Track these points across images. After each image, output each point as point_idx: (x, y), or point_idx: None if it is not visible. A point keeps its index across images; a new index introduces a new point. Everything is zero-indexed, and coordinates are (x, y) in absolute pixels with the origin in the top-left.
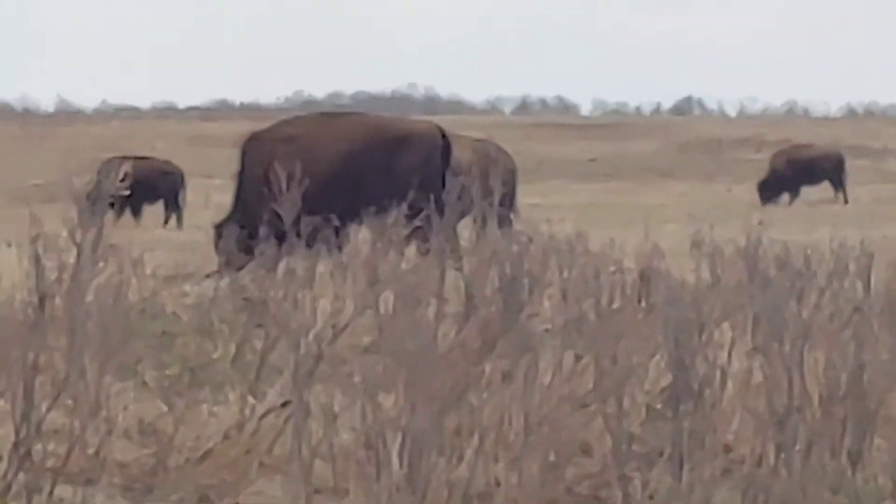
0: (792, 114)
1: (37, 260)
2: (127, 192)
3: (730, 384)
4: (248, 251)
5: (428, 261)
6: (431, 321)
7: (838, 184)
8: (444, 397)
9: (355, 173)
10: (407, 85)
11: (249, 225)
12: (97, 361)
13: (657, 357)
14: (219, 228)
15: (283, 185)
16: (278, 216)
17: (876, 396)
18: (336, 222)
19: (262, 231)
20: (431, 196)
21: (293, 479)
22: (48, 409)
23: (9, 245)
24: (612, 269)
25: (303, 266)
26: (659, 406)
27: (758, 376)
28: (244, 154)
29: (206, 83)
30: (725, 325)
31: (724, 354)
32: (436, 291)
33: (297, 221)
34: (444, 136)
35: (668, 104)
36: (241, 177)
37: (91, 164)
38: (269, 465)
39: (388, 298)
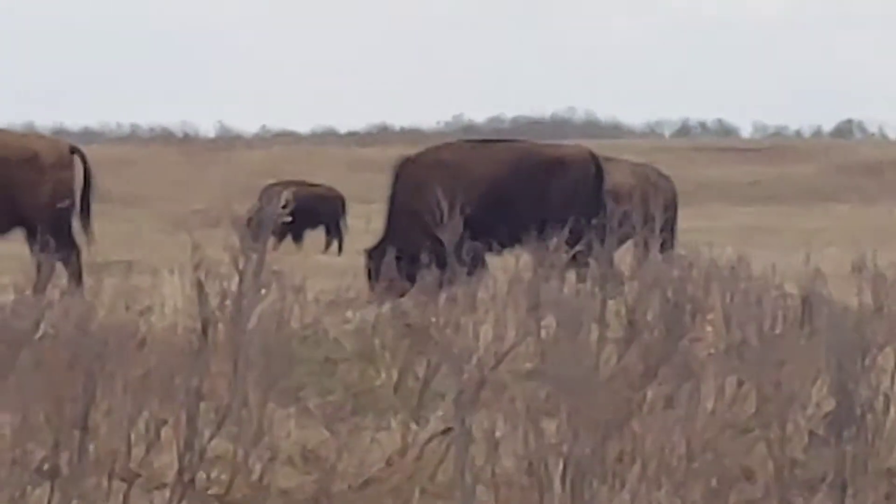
0: None
1: (199, 286)
2: (288, 218)
3: (893, 409)
4: (409, 277)
5: (588, 286)
6: (593, 347)
7: None
8: (607, 423)
9: (506, 199)
10: (566, 108)
11: (403, 250)
12: (260, 388)
13: (819, 382)
14: (370, 254)
15: (442, 211)
16: (435, 241)
17: None
18: (494, 248)
19: (423, 256)
20: (584, 221)
21: None
22: (211, 436)
23: (171, 272)
24: (774, 293)
25: (464, 291)
26: (821, 431)
27: None
28: (396, 179)
29: (366, 108)
30: (888, 349)
31: (888, 379)
32: (597, 317)
33: (458, 247)
34: (596, 161)
35: (828, 127)
36: (393, 202)
37: (251, 189)
38: (431, 492)
39: (549, 324)
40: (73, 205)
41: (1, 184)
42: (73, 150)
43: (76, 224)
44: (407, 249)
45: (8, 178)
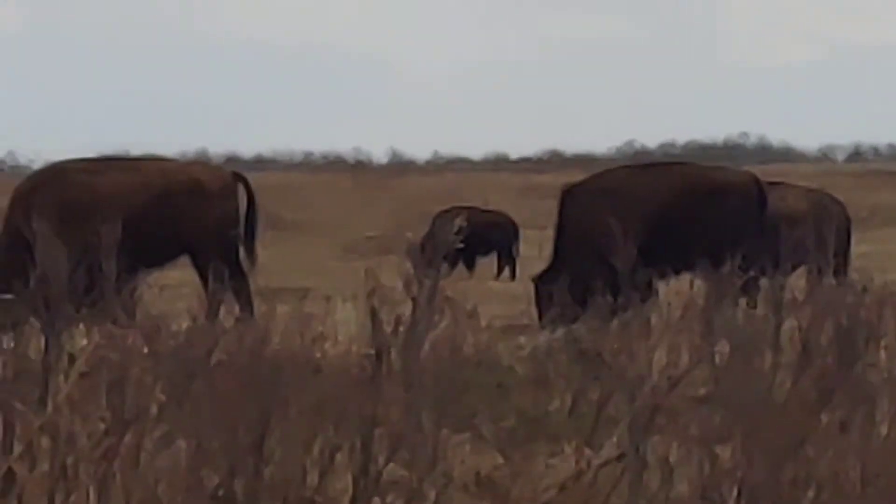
0: None
1: (373, 313)
2: (461, 244)
3: None
4: (580, 302)
5: (761, 311)
6: (767, 372)
7: None
8: (781, 448)
9: (668, 223)
10: (738, 133)
11: (572, 276)
12: (434, 414)
13: None
14: (538, 281)
15: (611, 237)
16: (605, 267)
17: None
18: (660, 273)
19: (594, 282)
20: (748, 246)
21: None
22: (386, 462)
23: (344, 299)
24: None
25: (637, 317)
26: None
27: None
28: (563, 206)
29: (538, 134)
30: None
31: None
32: (771, 342)
33: (631, 273)
34: (759, 185)
35: None
36: (561, 229)
37: (424, 216)
38: None
39: (723, 349)
40: (238, 233)
41: (166, 213)
42: (237, 178)
43: (242, 251)
44: (577, 275)
45: (173, 208)
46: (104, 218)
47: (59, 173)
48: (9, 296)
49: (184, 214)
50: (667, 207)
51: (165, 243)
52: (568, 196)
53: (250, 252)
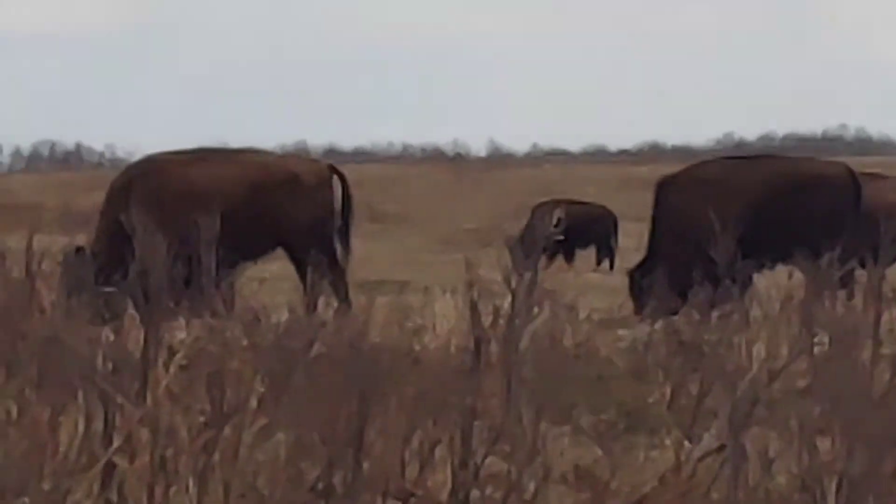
0: None
1: (472, 306)
2: (560, 237)
3: None
4: (679, 294)
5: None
6: (867, 364)
7: None
8: (881, 441)
9: (767, 216)
10: (838, 125)
11: (669, 268)
12: (533, 406)
13: None
14: (634, 273)
15: (709, 230)
16: (702, 259)
17: None
18: (756, 265)
19: (693, 274)
20: (844, 239)
21: None
22: (485, 455)
23: (444, 291)
24: None
25: (736, 309)
26: None
27: None
28: (658, 198)
29: (637, 126)
30: None
31: None
32: (871, 333)
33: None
34: (853, 177)
35: None
36: (657, 221)
37: (522, 208)
38: None
39: (823, 341)
40: (334, 225)
41: (263, 206)
42: (333, 171)
43: (338, 244)
44: (674, 267)
45: (270, 200)
46: (201, 210)
47: (155, 166)
48: (109, 289)
49: (280, 207)
50: (763, 199)
51: (261, 236)
52: (664, 188)
53: (346, 245)
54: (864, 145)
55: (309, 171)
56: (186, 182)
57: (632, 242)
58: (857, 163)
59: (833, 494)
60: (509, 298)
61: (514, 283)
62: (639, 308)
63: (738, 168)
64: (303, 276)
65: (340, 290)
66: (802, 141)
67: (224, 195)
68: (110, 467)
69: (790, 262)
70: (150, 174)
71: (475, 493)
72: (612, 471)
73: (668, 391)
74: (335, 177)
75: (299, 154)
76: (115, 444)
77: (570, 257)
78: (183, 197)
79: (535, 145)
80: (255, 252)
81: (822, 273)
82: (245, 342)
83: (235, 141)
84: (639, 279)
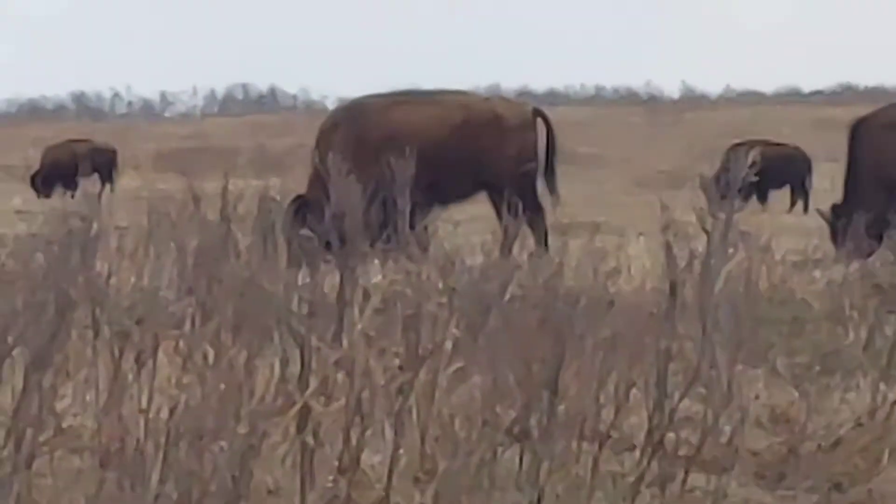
0: None
1: (668, 248)
2: (755, 178)
3: None
4: (875, 237)
5: None
6: None
7: None
8: None
9: None
10: None
11: (865, 210)
12: (728, 349)
13: None
14: (834, 214)
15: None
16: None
17: None
18: None
19: (891, 217)
20: None
21: None
22: (681, 398)
23: (637, 233)
24: None
25: None
26: None
27: None
28: (853, 140)
29: (831, 67)
30: None
31: None
32: None
33: None
34: None
35: None
36: (851, 163)
37: (715, 150)
38: None
39: None
40: (536, 167)
41: (466, 147)
42: (536, 113)
43: (541, 186)
44: (870, 210)
45: (472, 141)
46: (402, 151)
47: (360, 108)
48: (305, 232)
49: (482, 148)
50: None
51: (463, 177)
52: (859, 129)
53: (552, 188)
54: None
55: (512, 113)
56: (391, 123)
57: (826, 183)
58: None
59: None
60: (704, 240)
61: (709, 225)
62: (839, 249)
63: None
64: (502, 219)
65: (539, 232)
66: None
67: (427, 136)
68: (306, 410)
69: None
70: (355, 117)
71: (670, 436)
72: (807, 413)
73: (863, 333)
74: (539, 119)
75: (501, 96)
76: (311, 387)
77: (764, 199)
78: (387, 138)
79: (727, 87)
80: (455, 194)
81: None
82: (440, 285)
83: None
84: (834, 221)
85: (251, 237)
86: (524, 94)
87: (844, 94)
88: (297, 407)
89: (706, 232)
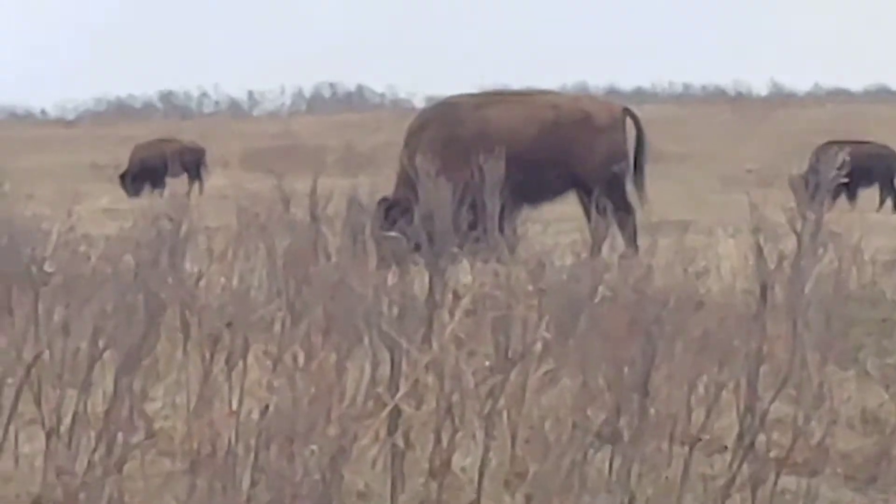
0: None
1: (758, 250)
2: (845, 178)
3: None
4: None
5: None
6: None
7: None
8: None
9: None
10: None
11: None
12: (818, 350)
13: None
14: None
15: None
16: None
17: None
18: None
19: None
20: None
21: None
22: (772, 400)
23: (726, 232)
24: None
25: None
26: None
27: None
28: None
29: None
30: None
31: None
32: None
33: None
34: None
35: None
36: None
37: (804, 148)
38: None
39: None
40: (626, 166)
41: (555, 146)
42: (626, 112)
43: (630, 186)
44: None
45: (562, 141)
46: (493, 151)
47: (449, 108)
48: (393, 233)
49: (572, 148)
50: None
51: (553, 177)
52: None
53: (640, 187)
54: None
55: (602, 112)
56: (482, 123)
57: None
58: None
59: None
60: (793, 240)
61: (798, 226)
62: None
63: None
64: (591, 219)
65: (628, 232)
66: None
67: (517, 136)
68: (397, 413)
69: None
70: (445, 116)
71: (761, 438)
72: None
73: None
74: (628, 118)
75: (591, 95)
76: (402, 389)
77: (853, 198)
78: (478, 138)
79: (816, 84)
80: (544, 194)
81: None
82: (530, 287)
83: (516, 83)
84: None
85: (340, 238)
86: (612, 92)
87: None
88: (388, 409)
89: (796, 233)
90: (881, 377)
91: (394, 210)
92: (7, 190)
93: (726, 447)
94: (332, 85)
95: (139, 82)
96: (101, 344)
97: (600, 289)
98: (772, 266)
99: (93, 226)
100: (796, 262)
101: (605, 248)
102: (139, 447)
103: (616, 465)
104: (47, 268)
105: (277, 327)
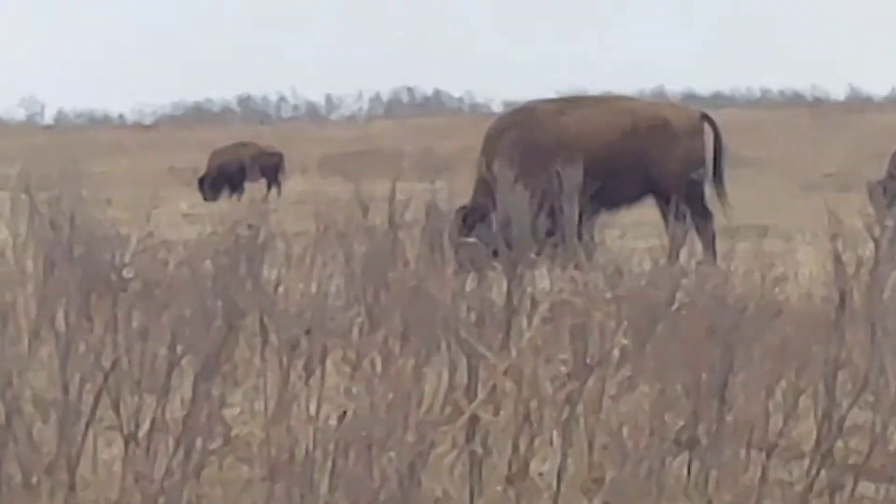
0: None
1: (837, 257)
2: None
3: None
4: None
5: None
6: None
7: None
8: None
9: None
10: None
11: None
12: None
13: None
14: None
15: None
16: None
17: None
18: None
19: None
20: None
21: None
22: (850, 406)
23: (804, 238)
24: None
25: None
26: None
27: None
28: None
29: None
30: None
31: None
32: None
33: None
34: None
35: None
36: None
37: (882, 153)
38: None
39: None
40: (704, 172)
41: (633, 152)
42: (704, 118)
43: (709, 191)
44: None
45: (641, 147)
46: (572, 157)
47: (527, 114)
48: (471, 239)
49: (651, 153)
50: None
51: (631, 183)
52: None
53: (720, 193)
54: None
55: (680, 118)
56: (560, 129)
57: None
58: None
59: None
60: (871, 245)
61: (876, 233)
62: None
63: None
64: (669, 225)
65: (706, 237)
66: None
67: (595, 141)
68: (475, 419)
69: None
70: (524, 122)
71: (839, 445)
72: None
73: None
74: (706, 124)
75: (669, 101)
76: (480, 396)
77: None
78: (556, 144)
79: (894, 89)
80: (622, 200)
81: None
82: (608, 293)
83: (594, 89)
84: None
85: (419, 244)
86: (689, 97)
87: None
88: (466, 416)
89: (874, 239)
90: None
91: (472, 216)
92: (85, 195)
93: (804, 454)
94: (409, 89)
95: (217, 86)
96: (179, 350)
97: (678, 295)
98: (850, 273)
99: (171, 231)
100: (874, 268)
101: (683, 254)
102: (217, 453)
103: (694, 471)
104: (126, 274)
105: (355, 333)
